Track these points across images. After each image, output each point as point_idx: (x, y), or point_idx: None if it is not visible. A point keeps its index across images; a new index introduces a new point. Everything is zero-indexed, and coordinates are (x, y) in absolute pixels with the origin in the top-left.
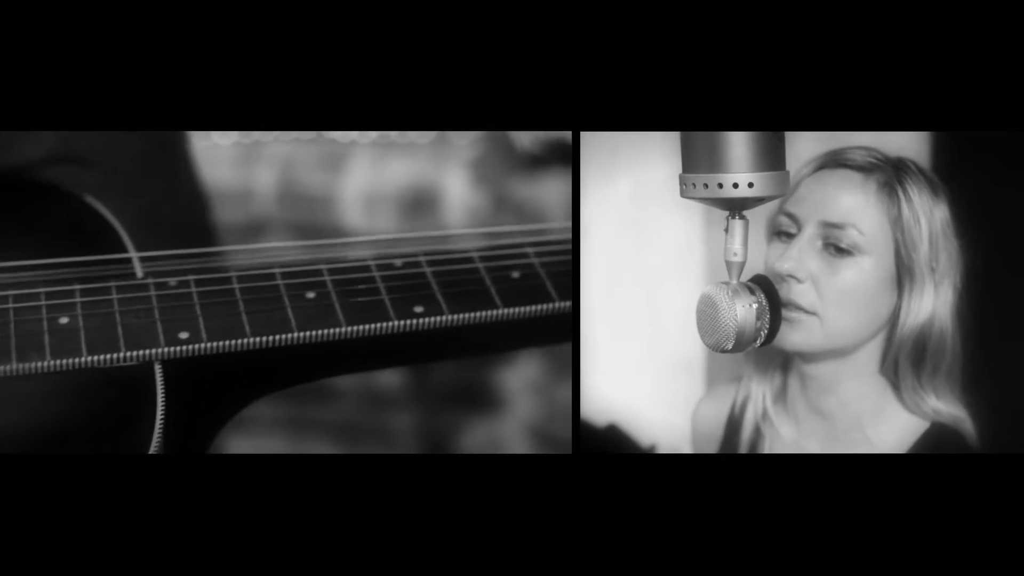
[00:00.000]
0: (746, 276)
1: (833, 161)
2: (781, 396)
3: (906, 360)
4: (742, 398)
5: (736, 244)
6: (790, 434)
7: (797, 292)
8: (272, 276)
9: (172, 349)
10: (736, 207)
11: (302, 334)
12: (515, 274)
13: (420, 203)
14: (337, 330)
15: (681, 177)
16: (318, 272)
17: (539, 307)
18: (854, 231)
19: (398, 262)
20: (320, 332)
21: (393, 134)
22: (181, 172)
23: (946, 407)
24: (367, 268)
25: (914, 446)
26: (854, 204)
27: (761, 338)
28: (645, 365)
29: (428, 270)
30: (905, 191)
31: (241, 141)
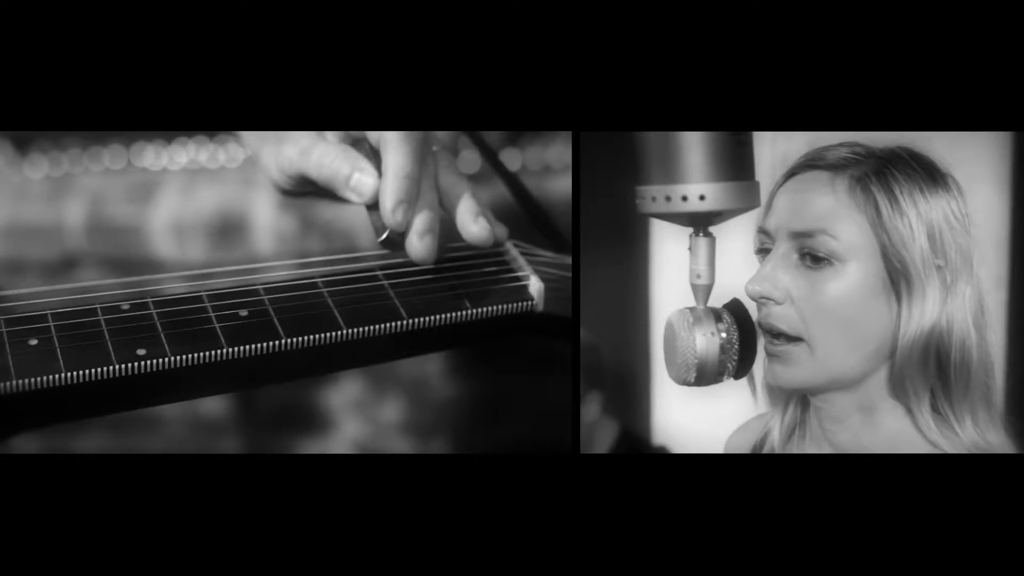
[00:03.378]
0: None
1: (804, 164)
2: (801, 430)
3: (918, 378)
4: (764, 433)
5: (700, 265)
6: None
7: (777, 316)
8: None
9: None
10: (699, 223)
11: (22, 382)
12: (243, 312)
13: (228, 229)
14: (58, 376)
15: (637, 190)
16: (43, 318)
17: (265, 344)
18: (825, 237)
19: (125, 305)
20: (40, 379)
21: (203, 159)
22: None
23: (985, 437)
24: (93, 312)
25: None
26: (824, 207)
27: (730, 370)
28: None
29: (155, 311)
30: (885, 184)
31: (51, 174)
